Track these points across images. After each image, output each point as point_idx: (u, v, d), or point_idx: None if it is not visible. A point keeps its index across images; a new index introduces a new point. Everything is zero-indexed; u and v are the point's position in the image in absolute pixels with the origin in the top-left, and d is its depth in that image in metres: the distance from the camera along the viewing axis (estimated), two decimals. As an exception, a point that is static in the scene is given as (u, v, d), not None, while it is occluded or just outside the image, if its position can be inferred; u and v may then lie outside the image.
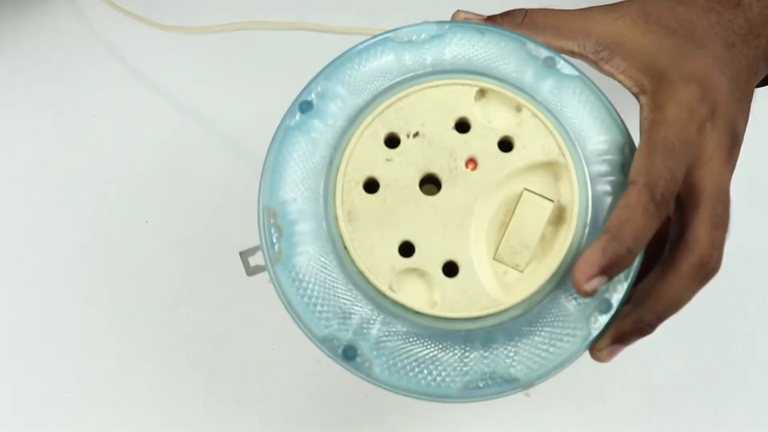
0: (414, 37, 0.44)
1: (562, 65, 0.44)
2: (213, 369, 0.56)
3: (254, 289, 0.54)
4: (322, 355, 0.42)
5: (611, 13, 0.45)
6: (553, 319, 0.43)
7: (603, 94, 0.44)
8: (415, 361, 0.42)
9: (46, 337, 0.57)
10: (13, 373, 0.57)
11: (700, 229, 0.42)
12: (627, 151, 0.44)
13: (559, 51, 0.45)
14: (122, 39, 0.63)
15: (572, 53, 0.45)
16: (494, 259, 0.43)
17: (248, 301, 0.57)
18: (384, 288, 0.42)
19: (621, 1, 0.45)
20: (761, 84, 0.48)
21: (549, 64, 0.44)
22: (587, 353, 0.44)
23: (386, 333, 0.42)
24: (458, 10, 0.46)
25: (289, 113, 0.44)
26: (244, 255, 0.47)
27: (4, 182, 0.60)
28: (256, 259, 0.47)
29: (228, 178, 0.59)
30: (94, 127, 0.61)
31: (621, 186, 0.43)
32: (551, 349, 0.43)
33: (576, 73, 0.44)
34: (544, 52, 0.44)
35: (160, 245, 0.58)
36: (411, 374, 0.42)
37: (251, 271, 0.47)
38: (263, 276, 0.43)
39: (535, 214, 0.42)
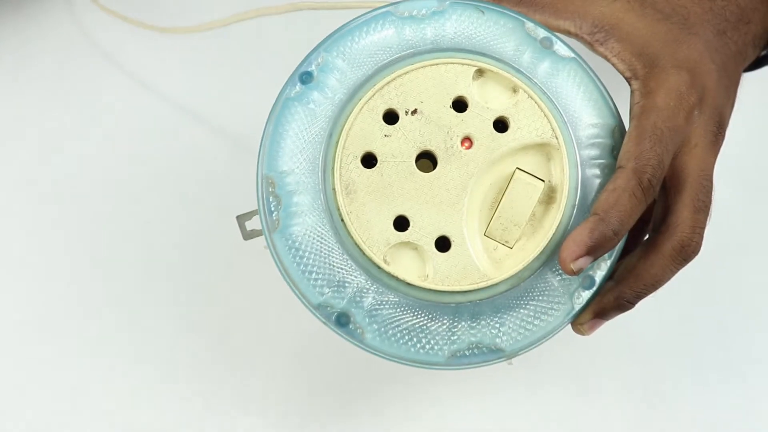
0: (414, 12, 0.45)
1: (559, 46, 0.45)
2: (213, 369, 0.57)
3: (255, 289, 0.56)
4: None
5: None
6: (539, 294, 0.44)
7: (597, 76, 0.46)
8: (406, 329, 0.44)
9: (45, 336, 0.57)
10: (12, 370, 0.57)
11: (682, 213, 0.44)
12: (617, 135, 0.45)
13: (556, 30, 0.46)
14: (121, 43, 0.62)
15: (568, 33, 0.46)
16: (485, 235, 0.44)
17: (249, 300, 0.58)
18: (378, 260, 0.43)
19: None
20: (749, 69, 0.49)
21: (546, 45, 0.45)
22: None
23: (379, 302, 0.44)
24: None
25: (289, 84, 0.45)
26: (241, 219, 0.48)
27: (6, 183, 0.60)
28: (252, 224, 0.48)
29: (232, 176, 0.59)
30: (94, 127, 0.61)
31: (610, 169, 0.45)
32: (536, 322, 0.45)
33: (572, 54, 0.45)
34: (542, 32, 0.45)
35: (159, 245, 0.59)
36: (401, 342, 0.44)
37: (247, 235, 0.48)
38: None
39: (526, 193, 0.44)
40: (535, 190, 0.44)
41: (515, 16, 0.46)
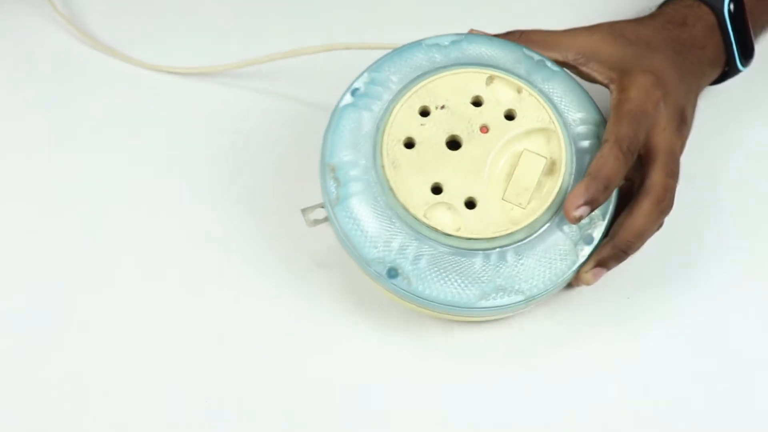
0: (439, 42, 0.59)
1: (550, 64, 0.59)
2: (213, 369, 0.58)
3: (255, 288, 0.60)
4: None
5: (587, 31, 0.60)
6: (549, 246, 0.55)
7: (581, 85, 0.59)
8: (443, 273, 0.54)
9: (46, 335, 0.59)
10: (13, 368, 0.58)
11: (656, 177, 0.56)
12: (600, 125, 0.58)
13: (548, 57, 0.60)
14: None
15: (557, 61, 0.60)
16: (503, 199, 0.56)
17: (249, 299, 0.60)
18: (420, 216, 0.55)
19: (595, 24, 0.60)
20: (715, 82, 0.62)
21: (540, 64, 0.59)
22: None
23: (421, 252, 0.55)
24: (471, 29, 0.61)
25: (344, 96, 0.58)
26: (305, 211, 0.59)
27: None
28: (314, 215, 0.59)
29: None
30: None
31: (596, 148, 0.57)
32: (548, 272, 0.55)
33: (560, 69, 0.59)
34: (536, 56, 0.59)
35: (157, 247, 0.61)
36: (440, 286, 0.54)
37: (311, 224, 0.59)
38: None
39: (533, 165, 0.56)
40: (540, 162, 0.56)
41: (515, 44, 0.59)
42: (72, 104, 0.67)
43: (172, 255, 0.61)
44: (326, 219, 0.58)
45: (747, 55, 0.61)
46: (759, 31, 0.63)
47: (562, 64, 0.60)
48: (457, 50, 0.59)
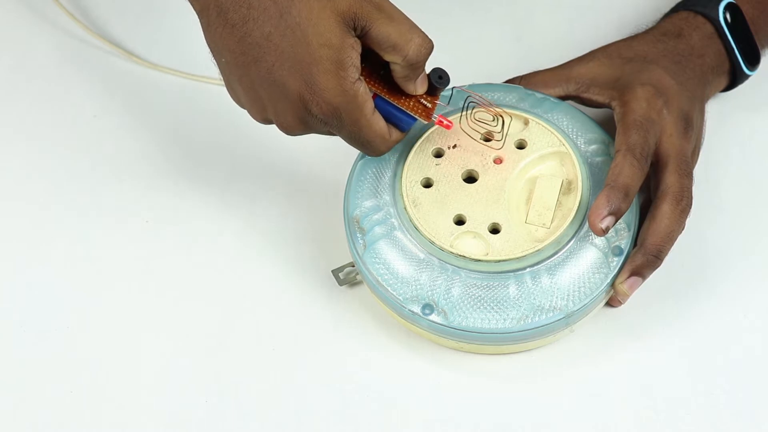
0: (444, 93, 0.61)
1: (553, 99, 0.61)
2: (213, 369, 0.58)
3: (254, 289, 0.61)
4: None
5: (583, 60, 0.62)
6: (580, 260, 0.55)
7: (585, 112, 0.60)
8: (478, 301, 0.54)
9: (47, 337, 0.59)
10: (14, 372, 0.58)
11: (671, 179, 0.56)
12: (610, 144, 0.59)
13: (550, 95, 0.62)
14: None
15: (559, 96, 0.62)
16: (526, 222, 0.56)
17: (249, 300, 0.61)
18: (447, 246, 0.55)
19: (589, 51, 0.62)
20: (725, 89, 0.64)
21: (543, 99, 0.61)
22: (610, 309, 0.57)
23: (452, 283, 0.55)
24: (472, 83, 0.63)
25: (359, 155, 0.60)
26: (335, 271, 0.60)
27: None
28: (344, 273, 0.60)
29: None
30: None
31: (609, 163, 0.58)
32: (583, 286, 0.55)
33: (562, 101, 0.61)
34: (538, 94, 0.61)
35: (158, 247, 0.63)
36: (476, 314, 0.54)
37: (342, 282, 0.60)
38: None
39: (551, 186, 0.57)
40: (557, 183, 0.57)
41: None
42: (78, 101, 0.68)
43: (174, 255, 0.62)
44: (357, 275, 0.59)
45: (753, 60, 0.63)
46: (765, 42, 0.64)
47: (565, 97, 0.62)
48: (461, 98, 0.61)
